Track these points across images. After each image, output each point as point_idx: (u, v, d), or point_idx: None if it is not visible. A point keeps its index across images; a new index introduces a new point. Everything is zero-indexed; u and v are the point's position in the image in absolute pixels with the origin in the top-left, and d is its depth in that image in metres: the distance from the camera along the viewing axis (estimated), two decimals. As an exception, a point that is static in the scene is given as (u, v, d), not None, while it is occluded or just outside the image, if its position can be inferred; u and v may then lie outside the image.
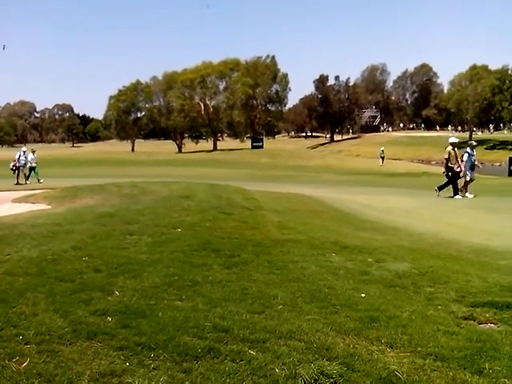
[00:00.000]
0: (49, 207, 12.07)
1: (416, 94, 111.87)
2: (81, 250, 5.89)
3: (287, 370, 3.07)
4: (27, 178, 22.36)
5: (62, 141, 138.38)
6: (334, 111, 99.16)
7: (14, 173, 21.92)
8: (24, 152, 22.71)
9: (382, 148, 49.10)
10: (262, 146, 68.74)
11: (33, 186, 19.25)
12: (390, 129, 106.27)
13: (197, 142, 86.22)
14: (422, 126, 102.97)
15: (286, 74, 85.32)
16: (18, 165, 22.01)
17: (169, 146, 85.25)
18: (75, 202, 12.18)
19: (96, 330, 3.56)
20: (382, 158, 47.26)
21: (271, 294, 4.55)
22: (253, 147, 68.48)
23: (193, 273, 5.11)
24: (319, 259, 6.00)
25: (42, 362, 3.06)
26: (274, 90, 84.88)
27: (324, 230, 8.62)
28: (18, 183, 21.18)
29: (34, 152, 23.22)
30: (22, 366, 3.01)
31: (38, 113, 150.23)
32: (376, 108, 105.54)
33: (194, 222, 8.05)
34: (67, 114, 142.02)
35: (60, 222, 7.95)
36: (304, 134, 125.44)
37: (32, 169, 22.55)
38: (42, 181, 21.50)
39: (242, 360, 3.19)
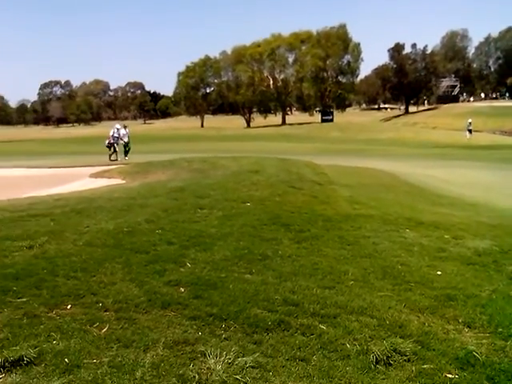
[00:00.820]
0: (123, 182, 12.66)
1: (500, 61, 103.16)
2: (154, 223, 6.10)
3: (358, 345, 3.02)
4: (124, 153, 22.83)
5: (134, 118, 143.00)
6: (409, 81, 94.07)
7: (110, 149, 22.47)
8: (118, 129, 23.15)
9: (470, 120, 44.55)
10: (331, 120, 67.27)
11: (109, 162, 20.06)
12: (472, 99, 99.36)
13: (265, 117, 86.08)
14: (507, 95, 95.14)
15: (359, 44, 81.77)
16: (112, 141, 22.57)
17: (237, 120, 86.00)
18: (147, 177, 12.66)
19: (170, 299, 3.68)
20: (469, 130, 43.44)
21: (342, 269, 4.48)
22: (322, 121, 67.22)
23: (262, 247, 5.13)
24: (392, 235, 5.82)
25: (120, 329, 3.22)
26: (346, 61, 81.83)
27: (397, 205, 8.33)
28: (112, 159, 21.72)
29: (125, 127, 23.66)
30: (102, 331, 3.19)
31: (111, 91, 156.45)
32: (455, 77, 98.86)
33: (264, 197, 8.08)
34: (139, 92, 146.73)
35: (134, 196, 8.29)
36: (376, 106, 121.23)
37: (125, 145, 23.00)
38: (126, 158, 22.01)
39: (312, 334, 3.17)
